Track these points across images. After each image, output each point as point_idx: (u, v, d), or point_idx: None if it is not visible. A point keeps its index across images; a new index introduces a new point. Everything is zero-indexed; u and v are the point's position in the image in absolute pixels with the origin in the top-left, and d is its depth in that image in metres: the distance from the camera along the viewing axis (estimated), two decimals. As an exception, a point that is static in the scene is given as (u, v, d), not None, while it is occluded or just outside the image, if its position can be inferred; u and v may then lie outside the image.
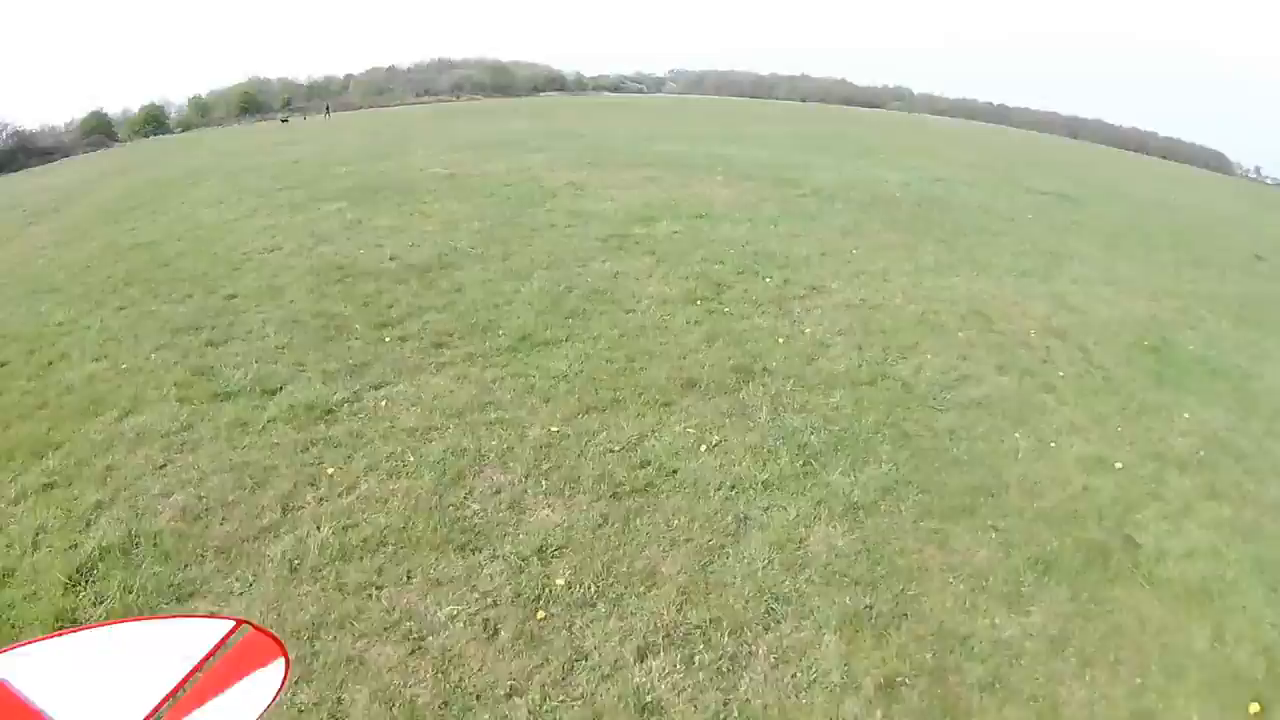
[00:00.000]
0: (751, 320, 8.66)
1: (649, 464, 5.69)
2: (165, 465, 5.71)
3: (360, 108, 69.31)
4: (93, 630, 1.58)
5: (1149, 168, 54.10)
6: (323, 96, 73.04)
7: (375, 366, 7.17)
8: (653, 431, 6.15)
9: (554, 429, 6.09)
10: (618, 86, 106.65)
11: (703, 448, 5.95)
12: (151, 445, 5.96)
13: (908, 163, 25.77)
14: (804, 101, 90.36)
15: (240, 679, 1.70)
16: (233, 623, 1.67)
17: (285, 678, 1.77)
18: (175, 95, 78.18)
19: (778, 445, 6.07)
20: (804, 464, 5.83)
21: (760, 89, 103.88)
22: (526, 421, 6.19)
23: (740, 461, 5.81)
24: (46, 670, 1.45)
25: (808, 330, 8.49)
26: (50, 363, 7.75)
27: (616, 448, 5.88)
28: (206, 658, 1.59)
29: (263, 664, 1.75)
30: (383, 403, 6.47)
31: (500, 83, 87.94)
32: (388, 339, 7.79)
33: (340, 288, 9.35)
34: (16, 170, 44.22)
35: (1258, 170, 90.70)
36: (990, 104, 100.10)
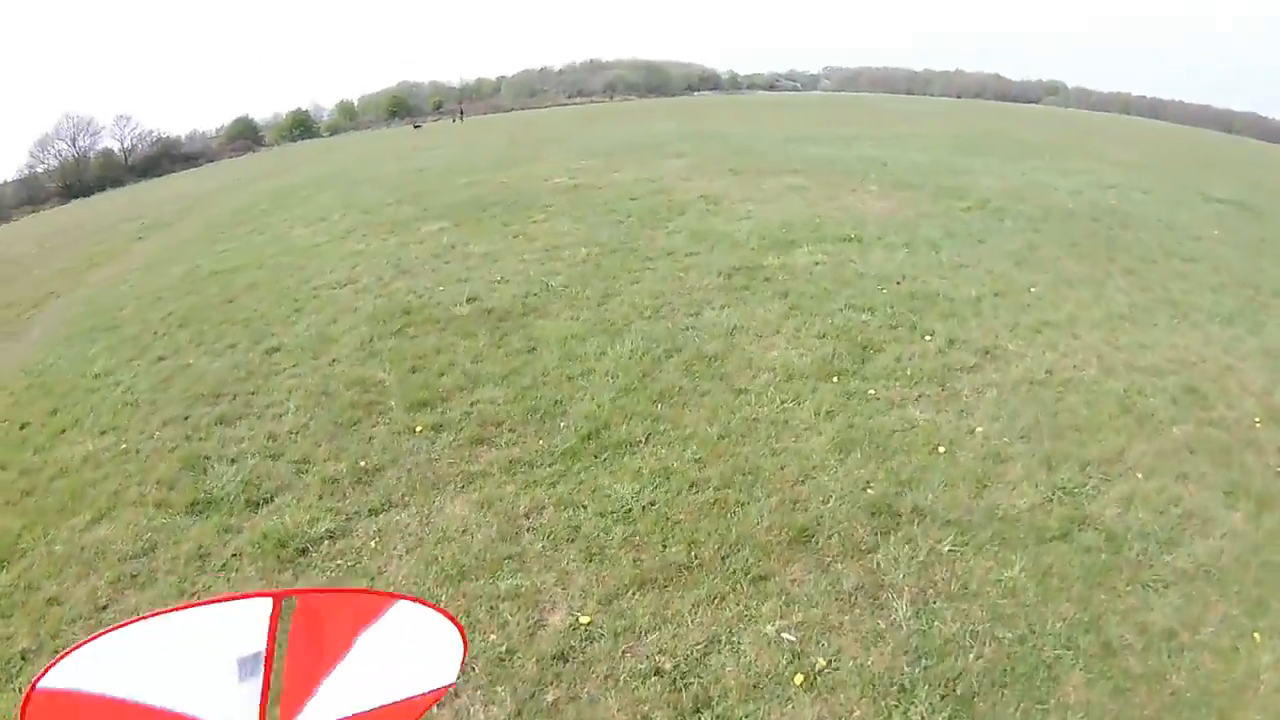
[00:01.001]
0: (903, 411, 6.27)
1: (706, 708, 3.56)
2: (106, 606, 4.74)
3: (511, 109, 70.06)
4: (146, 621, 1.35)
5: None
6: (474, 99, 74.44)
7: (388, 474, 5.50)
8: (729, 634, 3.97)
9: (584, 619, 4.07)
10: (772, 85, 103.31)
11: (798, 678, 3.71)
12: (103, 573, 5.00)
13: (1073, 166, 21.61)
14: (958, 98, 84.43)
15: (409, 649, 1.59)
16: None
17: (464, 640, 1.66)
18: (327, 100, 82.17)
19: (915, 677, 3.74)
20: (949, 716, 3.56)
21: (915, 85, 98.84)
22: (550, 598, 4.23)
23: (851, 712, 3.56)
24: (129, 663, 1.34)
25: (979, 430, 6.02)
26: (63, 430, 7.16)
27: (668, 666, 3.77)
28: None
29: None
30: (372, 542, 4.76)
31: (653, 82, 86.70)
32: (420, 428, 6.10)
33: (394, 342, 7.83)
34: (160, 175, 47.30)
35: None
36: (1144, 97, 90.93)
